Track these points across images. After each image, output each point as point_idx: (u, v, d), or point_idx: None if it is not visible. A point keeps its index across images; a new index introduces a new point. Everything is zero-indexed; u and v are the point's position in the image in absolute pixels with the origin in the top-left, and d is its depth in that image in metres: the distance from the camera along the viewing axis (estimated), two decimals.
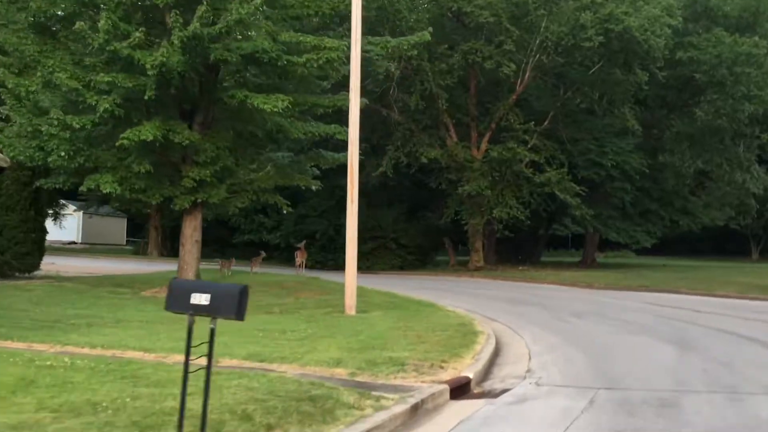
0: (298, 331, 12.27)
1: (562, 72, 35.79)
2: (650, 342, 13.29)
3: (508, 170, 34.01)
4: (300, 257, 31.09)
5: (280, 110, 16.16)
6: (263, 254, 29.67)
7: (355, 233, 15.70)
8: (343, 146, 30.67)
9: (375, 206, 38.94)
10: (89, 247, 55.25)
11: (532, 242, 45.24)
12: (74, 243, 57.82)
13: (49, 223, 56.70)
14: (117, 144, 15.73)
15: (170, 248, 49.63)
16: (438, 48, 32.74)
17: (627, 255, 62.89)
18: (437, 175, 35.89)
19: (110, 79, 15.13)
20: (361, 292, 20.41)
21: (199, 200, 17.87)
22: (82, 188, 16.64)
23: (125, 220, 59.15)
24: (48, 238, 58.56)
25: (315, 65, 16.89)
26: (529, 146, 34.19)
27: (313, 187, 21.55)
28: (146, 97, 15.48)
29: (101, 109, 15.22)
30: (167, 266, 31.21)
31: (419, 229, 39.26)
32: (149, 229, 46.09)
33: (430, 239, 40.13)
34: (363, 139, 38.44)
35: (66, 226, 55.66)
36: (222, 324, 12.82)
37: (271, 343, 10.99)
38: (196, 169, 17.41)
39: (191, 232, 18.52)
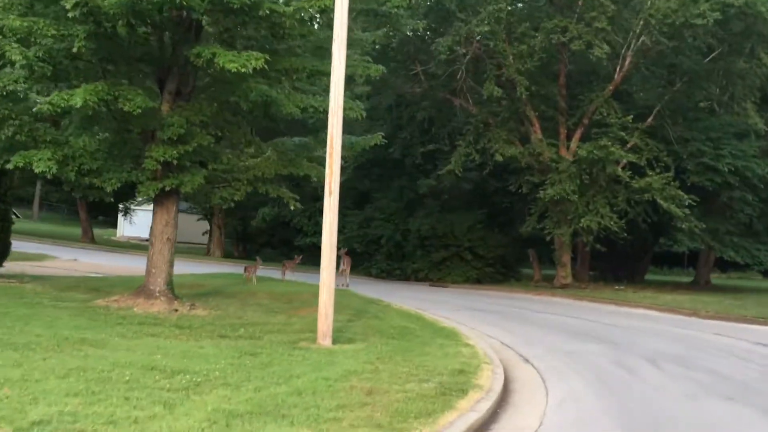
0: (199, 373, 8.34)
1: (671, 59, 30.36)
2: (743, 415, 8.60)
3: (601, 173, 28.91)
4: (345, 264, 26.80)
5: (250, 71, 12.31)
6: (299, 258, 25.77)
7: (333, 235, 11.57)
8: (371, 127, 26.76)
9: (449, 210, 34.62)
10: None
11: (636, 258, 39.58)
12: None
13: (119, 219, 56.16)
14: (35, 110, 12.32)
15: (242, 249, 46.71)
16: (518, 27, 28.09)
17: (753, 277, 55.63)
18: (519, 176, 31.14)
19: (26, 24, 11.71)
20: (380, 311, 16.39)
21: (167, 188, 14.24)
22: (9, 167, 13.35)
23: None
24: (125, 234, 57.85)
25: (308, 16, 12.96)
26: (628, 146, 29.03)
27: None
28: (75, 49, 11.97)
29: (17, 64, 11.85)
30: (207, 268, 28.02)
31: (501, 239, 34.55)
32: (212, 227, 43.34)
33: (514, 250, 35.31)
34: (435, 134, 34.51)
35: (141, 222, 53.97)
36: (93, 356, 8.99)
37: (116, 397, 7.10)
38: (161, 148, 13.78)
39: (162, 227, 14.87)
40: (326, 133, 16.62)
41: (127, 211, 48.72)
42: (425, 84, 29.65)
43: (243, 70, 12.25)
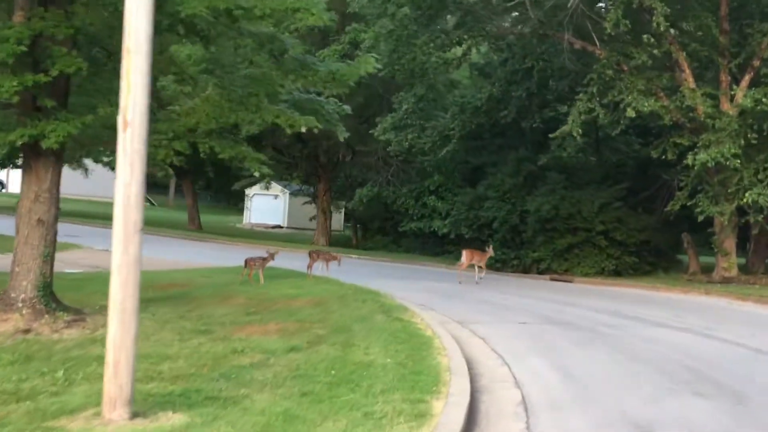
0: None
1: None
2: None
3: None
4: (472, 258, 22.06)
5: None
6: (338, 257, 19.44)
7: (133, 208, 6.07)
8: (481, 87, 20.27)
9: (576, 186, 27.87)
10: (295, 232, 49.72)
11: None
12: (280, 227, 52.95)
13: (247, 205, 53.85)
14: None
15: (363, 236, 41.55)
16: None
17: None
18: (664, 138, 23.97)
19: None
20: (370, 329, 10.74)
21: (19, 142, 9.41)
22: None
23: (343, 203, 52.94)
24: (252, 221, 55.15)
25: None
26: None
27: (341, 137, 12.32)
28: None
29: None
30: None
31: (645, 220, 27.27)
32: (317, 212, 38.73)
33: (665, 234, 27.85)
34: (554, 90, 27.70)
35: (256, 207, 51.17)
36: None
37: None
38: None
39: (30, 204, 10.04)
40: (297, 57, 11.36)
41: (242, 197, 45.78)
42: (533, 20, 23.04)
43: None
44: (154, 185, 72.03)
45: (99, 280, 14.24)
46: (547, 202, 26.77)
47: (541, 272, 27.22)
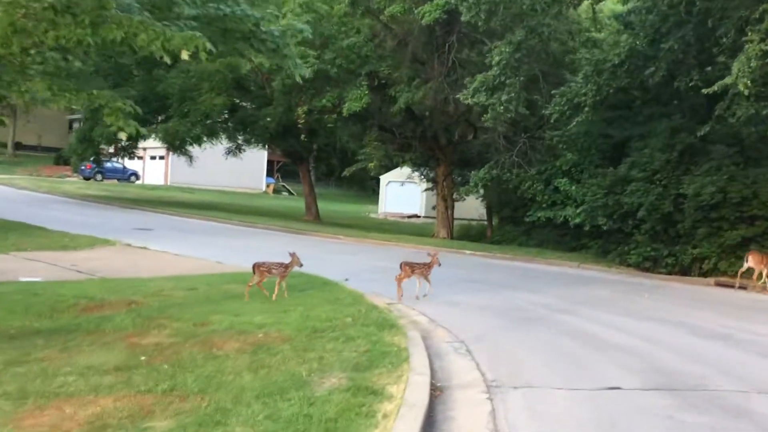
0: None
1: None
2: None
3: None
4: (762, 261, 17.92)
5: None
6: (436, 257, 13.53)
7: None
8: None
9: (752, 162, 21.15)
10: (433, 222, 45.05)
11: None
12: (417, 216, 48.56)
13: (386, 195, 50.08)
14: None
15: (502, 232, 35.22)
16: None
17: None
18: None
19: None
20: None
21: None
22: None
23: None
24: (387, 210, 51.09)
25: None
26: None
27: (298, 75, 7.56)
28: None
29: None
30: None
31: None
32: (437, 200, 33.42)
33: None
34: (719, 40, 20.86)
35: (392, 196, 47.09)
36: None
37: None
38: None
39: None
40: None
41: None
42: None
43: None
44: (296, 174, 69.47)
45: (18, 299, 10.31)
46: (711, 183, 20.37)
47: (704, 274, 20.95)
